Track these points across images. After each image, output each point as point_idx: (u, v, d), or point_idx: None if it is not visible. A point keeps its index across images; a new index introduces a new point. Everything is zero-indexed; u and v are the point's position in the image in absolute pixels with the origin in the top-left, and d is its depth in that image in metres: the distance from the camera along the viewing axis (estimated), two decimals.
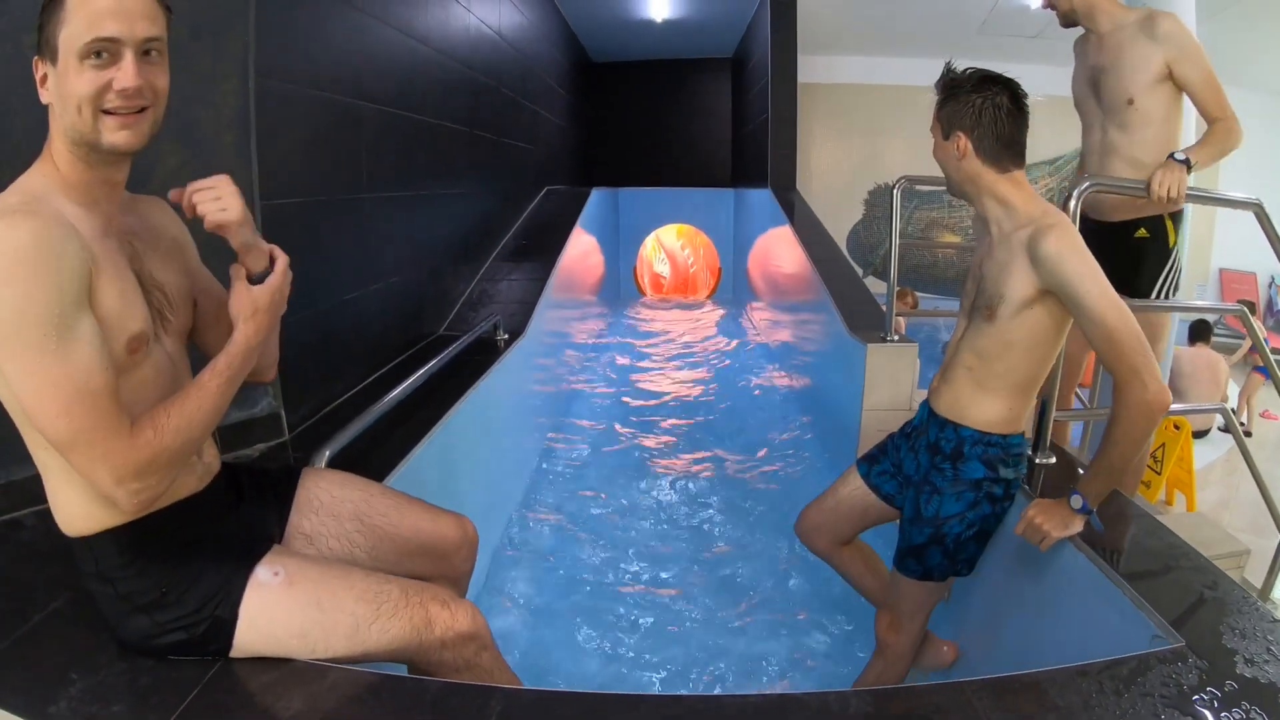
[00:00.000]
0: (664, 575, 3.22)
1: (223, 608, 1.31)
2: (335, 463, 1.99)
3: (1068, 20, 2.82)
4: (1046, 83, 9.50)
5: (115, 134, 1.19)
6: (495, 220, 5.17)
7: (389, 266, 3.29)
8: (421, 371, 2.68)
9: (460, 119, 4.27)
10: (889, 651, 2.25)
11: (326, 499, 1.66)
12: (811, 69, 7.63)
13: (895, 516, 2.30)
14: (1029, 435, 2.20)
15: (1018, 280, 1.84)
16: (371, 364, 3.14)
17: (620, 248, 9.06)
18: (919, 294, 7.83)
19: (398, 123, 3.36)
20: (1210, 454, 5.89)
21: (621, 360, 6.65)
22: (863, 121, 10.01)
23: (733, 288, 9.47)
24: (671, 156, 11.23)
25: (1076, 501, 1.84)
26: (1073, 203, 2.17)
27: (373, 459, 2.21)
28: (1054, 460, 2.37)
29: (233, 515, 1.49)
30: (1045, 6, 2.87)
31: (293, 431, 2.53)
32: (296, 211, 2.55)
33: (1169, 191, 2.34)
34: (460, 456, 2.86)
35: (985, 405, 2.01)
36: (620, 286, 9.12)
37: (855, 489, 2.37)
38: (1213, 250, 10.67)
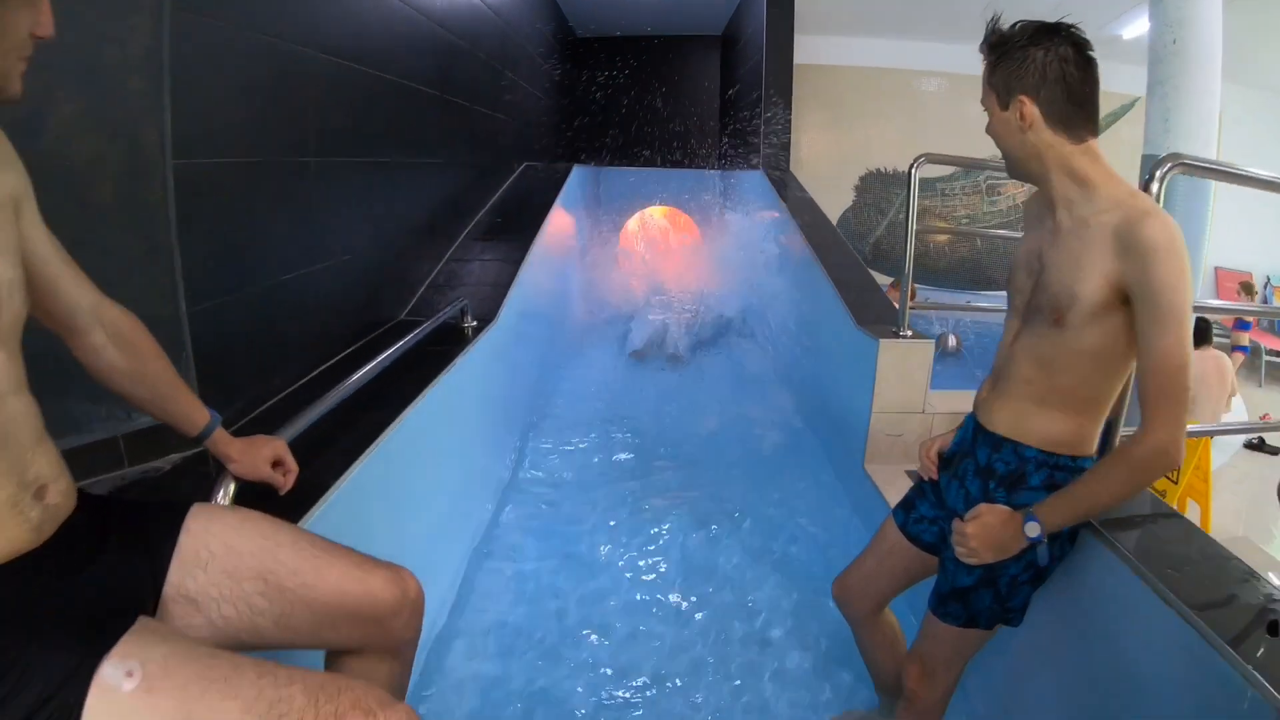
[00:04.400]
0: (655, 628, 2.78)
1: None
2: (246, 490, 1.59)
3: None
4: None
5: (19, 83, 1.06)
6: (467, 195, 4.74)
7: (340, 243, 2.88)
8: (368, 367, 2.27)
9: (430, 81, 3.85)
10: (919, 704, 1.91)
11: (219, 549, 1.26)
12: (801, 50, 7.27)
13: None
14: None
15: (1096, 277, 1.50)
16: (318, 354, 2.74)
17: (602, 229, 8.67)
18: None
19: (356, 78, 2.93)
20: (1217, 458, 5.66)
21: (602, 352, 6.24)
22: (854, 105, 9.68)
23: None
24: (657, 136, 10.86)
25: (1033, 529, 1.59)
26: (1155, 186, 1.81)
27: (300, 480, 1.80)
28: None
29: (84, 576, 1.09)
30: None
31: None
32: (221, 175, 2.13)
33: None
34: (412, 473, 2.46)
35: (1051, 421, 1.66)
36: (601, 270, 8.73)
37: (895, 545, 2.04)
38: (1204, 248, 10.43)
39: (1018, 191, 9.67)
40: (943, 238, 9.45)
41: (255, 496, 1.63)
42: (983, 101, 1.64)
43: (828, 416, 4.09)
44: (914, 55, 9.37)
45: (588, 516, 3.45)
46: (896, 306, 3.96)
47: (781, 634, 2.72)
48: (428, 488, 2.63)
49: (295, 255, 2.56)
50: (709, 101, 10.77)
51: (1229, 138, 6.76)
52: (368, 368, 2.25)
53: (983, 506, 1.68)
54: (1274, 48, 7.84)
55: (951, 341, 7.48)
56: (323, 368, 2.72)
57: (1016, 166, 1.66)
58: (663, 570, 3.10)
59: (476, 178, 4.94)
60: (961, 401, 3.50)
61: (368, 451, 2.07)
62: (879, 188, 9.75)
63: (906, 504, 2.04)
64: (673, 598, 2.92)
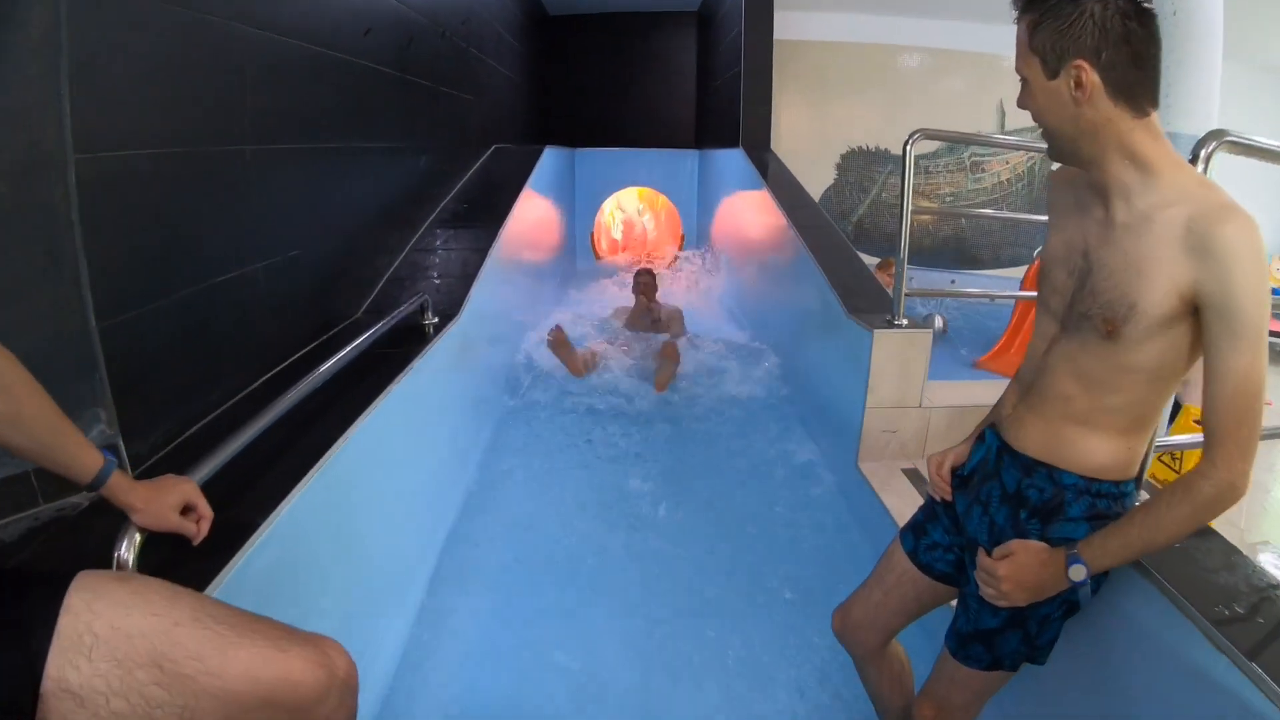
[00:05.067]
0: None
1: None
2: (160, 541, 1.35)
3: None
4: None
5: None
6: (432, 180, 4.46)
7: (285, 237, 2.62)
8: (305, 383, 2.02)
9: (387, 60, 3.57)
10: None
11: (105, 631, 1.03)
12: (781, 26, 7.01)
13: (952, 595, 1.74)
14: None
15: (1162, 285, 1.26)
16: (260, 364, 2.49)
17: (576, 212, 8.40)
18: (893, 256, 7.32)
19: (299, 57, 2.67)
20: None
21: (572, 335, 5.91)
22: (835, 82, 9.41)
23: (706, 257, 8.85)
24: (632, 115, 10.56)
25: (1078, 573, 1.37)
26: (1199, 168, 1.59)
27: (224, 519, 1.55)
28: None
29: None
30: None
31: (141, 465, 1.89)
32: (136, 169, 1.86)
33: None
34: (359, 499, 2.21)
35: (1094, 444, 1.43)
36: (577, 254, 8.47)
37: (904, 574, 1.79)
38: None
39: (1001, 168, 9.48)
40: (928, 216, 9.25)
41: (170, 547, 1.41)
42: (1020, 70, 1.37)
43: (818, 411, 3.86)
44: (895, 30, 9.11)
45: (561, 530, 3.19)
46: (886, 289, 3.75)
47: (769, 660, 2.50)
48: (377, 515, 2.37)
49: (230, 255, 2.30)
50: (686, 79, 10.49)
51: (1223, 119, 6.56)
52: (304, 384, 2.01)
53: (1015, 543, 1.45)
54: (1273, 25, 7.63)
55: (938, 323, 7.26)
56: (266, 378, 2.47)
57: (1065, 147, 1.38)
58: (634, 593, 2.85)
59: (441, 162, 4.66)
60: (961, 393, 3.29)
61: (305, 480, 1.83)
62: (861, 166, 9.51)
63: (916, 528, 1.81)
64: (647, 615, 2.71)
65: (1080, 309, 1.39)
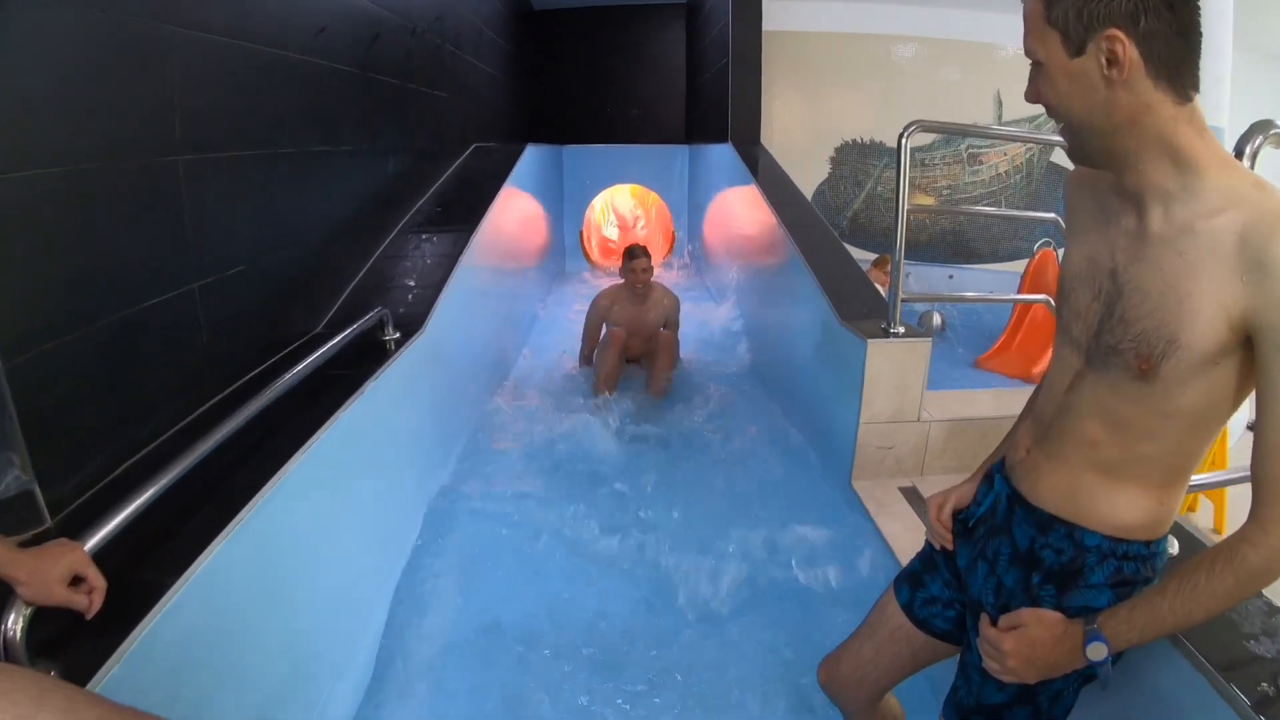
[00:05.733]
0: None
1: None
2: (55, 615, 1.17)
3: None
4: None
5: None
6: (403, 184, 4.25)
7: (227, 253, 2.41)
8: (239, 415, 1.82)
9: (348, 59, 3.37)
10: None
11: None
12: (771, 16, 6.80)
13: (954, 652, 1.53)
14: None
15: (1209, 313, 1.03)
16: (200, 390, 2.28)
17: (565, 212, 8.20)
18: (889, 254, 7.13)
19: (238, 58, 2.46)
20: None
21: (557, 351, 5.58)
22: (827, 73, 9.21)
23: (688, 253, 8.77)
24: (621, 111, 10.39)
25: (1098, 651, 1.14)
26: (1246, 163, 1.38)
27: (125, 587, 1.35)
28: (1176, 550, 1.61)
29: None
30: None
31: (61, 512, 1.70)
32: (47, 189, 1.66)
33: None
34: (298, 544, 2.00)
35: (1123, 499, 1.21)
36: (565, 256, 8.26)
37: (898, 629, 1.58)
38: None
39: (999, 160, 9.29)
40: (924, 215, 9.06)
41: (68, 618, 1.23)
42: (1031, 51, 1.12)
43: (810, 426, 3.66)
44: (889, 19, 8.92)
45: (529, 588, 2.85)
46: (880, 290, 3.55)
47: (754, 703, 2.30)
48: (315, 568, 2.14)
49: (161, 277, 2.09)
50: (676, 73, 10.31)
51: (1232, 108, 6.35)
52: (233, 419, 1.80)
53: (1026, 613, 1.24)
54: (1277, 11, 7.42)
55: (936, 320, 7.09)
56: (206, 407, 2.27)
57: (1094, 143, 1.13)
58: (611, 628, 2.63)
59: (413, 163, 4.45)
60: (963, 405, 3.10)
61: (227, 530, 1.64)
62: (856, 159, 9.31)
63: (912, 579, 1.60)
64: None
65: (1108, 341, 1.16)
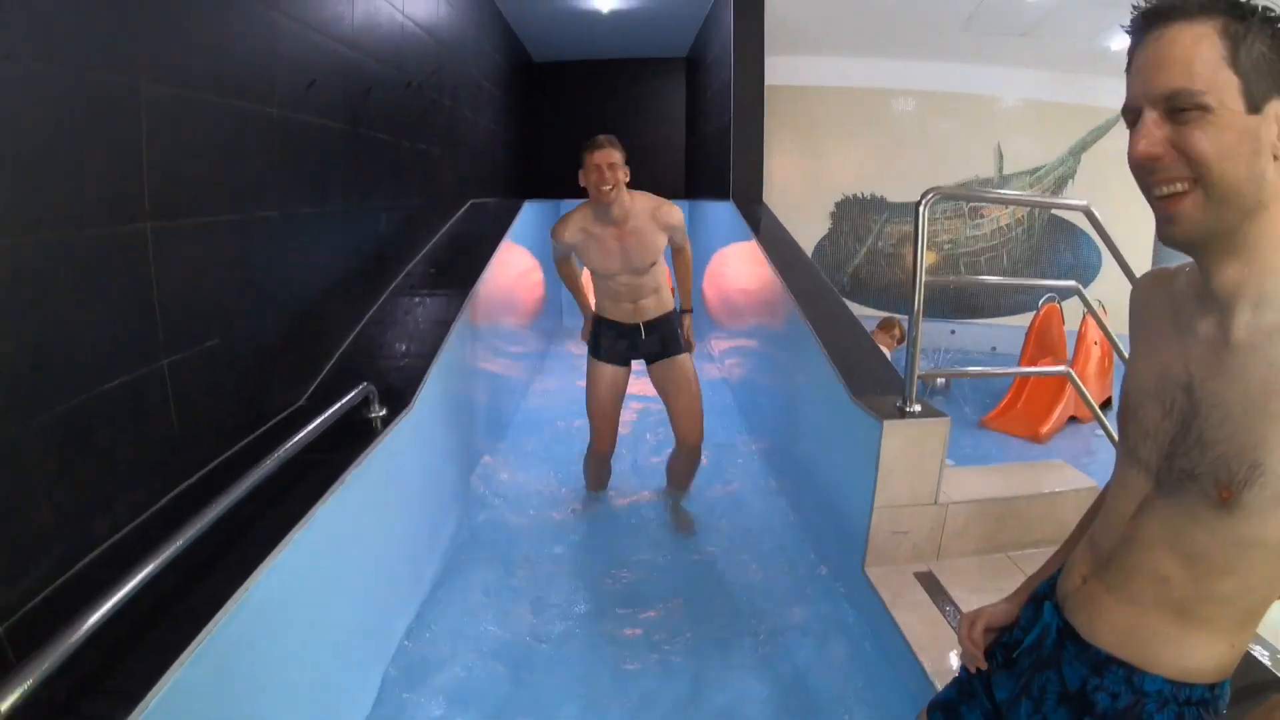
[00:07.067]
0: None
1: None
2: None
3: None
4: (1034, 87, 8.86)
5: None
6: (394, 244, 4.10)
7: (200, 326, 2.24)
8: (199, 521, 1.64)
9: (339, 114, 3.24)
10: None
11: None
12: (771, 70, 6.74)
13: None
14: None
15: None
16: (168, 476, 2.10)
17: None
18: (894, 315, 7.00)
19: (216, 116, 2.31)
20: None
21: (550, 412, 5.33)
22: (829, 128, 9.18)
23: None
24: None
25: None
26: None
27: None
28: None
29: None
30: None
31: (11, 617, 1.53)
32: None
33: None
34: (256, 684, 1.79)
35: (1193, 641, 1.04)
36: (562, 312, 8.10)
37: None
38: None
39: (1000, 214, 9.22)
40: (927, 261, 8.94)
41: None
42: (1192, 89, 0.89)
43: (819, 509, 3.45)
44: (888, 74, 8.91)
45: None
46: (885, 351, 3.38)
47: None
48: (284, 694, 1.94)
49: (128, 353, 1.93)
50: (675, 128, 10.26)
51: None
52: (193, 526, 1.61)
53: None
54: None
55: (940, 379, 6.93)
56: (173, 494, 2.09)
57: (1225, 218, 0.93)
58: None
59: (406, 222, 4.30)
60: (982, 485, 2.92)
61: (184, 656, 1.45)
62: (857, 214, 9.25)
63: (948, 709, 1.43)
64: None
65: (1182, 465, 1.00)
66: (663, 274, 3.70)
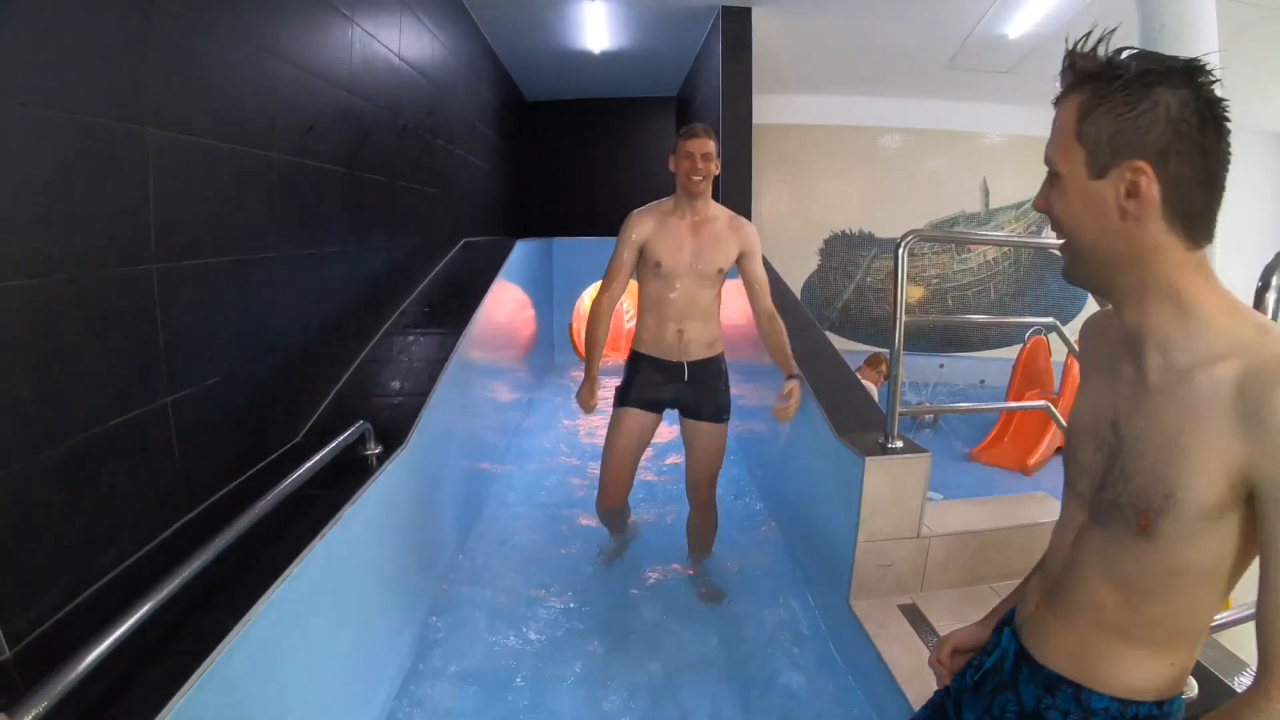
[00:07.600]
0: None
1: None
2: None
3: None
4: (1019, 122, 9.03)
5: None
6: (390, 283, 4.19)
7: (203, 364, 2.32)
8: (195, 560, 1.69)
9: (337, 157, 3.33)
10: None
11: None
12: (760, 109, 6.88)
13: None
14: None
15: (1206, 465, 0.97)
16: (171, 510, 2.16)
17: (554, 303, 8.15)
18: (882, 351, 7.08)
19: (220, 161, 2.40)
20: None
21: (541, 449, 5.41)
22: (816, 165, 9.35)
23: None
24: (613, 202, 10.45)
25: None
26: (1274, 297, 1.30)
27: None
28: (1195, 693, 1.51)
29: None
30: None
31: (19, 644, 1.58)
32: (2, 303, 1.57)
33: None
34: (266, 695, 1.84)
35: (1131, 660, 1.13)
36: (554, 349, 8.18)
37: None
38: None
39: (987, 248, 9.36)
40: (914, 297, 9.07)
41: None
42: (1054, 162, 1.08)
43: (804, 544, 3.52)
44: (874, 112, 9.09)
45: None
46: (872, 387, 3.44)
47: None
48: (295, 703, 1.99)
49: (133, 391, 2.00)
50: (666, 166, 10.38)
51: None
52: (189, 565, 1.67)
53: None
54: (1259, 87, 7.52)
55: (928, 415, 7.01)
56: (175, 527, 2.15)
57: (1092, 271, 1.10)
58: None
59: (401, 262, 4.39)
60: (963, 517, 2.99)
61: (199, 673, 1.51)
62: (845, 250, 9.39)
63: None
64: None
65: (1109, 496, 1.10)
66: (717, 306, 3.44)
